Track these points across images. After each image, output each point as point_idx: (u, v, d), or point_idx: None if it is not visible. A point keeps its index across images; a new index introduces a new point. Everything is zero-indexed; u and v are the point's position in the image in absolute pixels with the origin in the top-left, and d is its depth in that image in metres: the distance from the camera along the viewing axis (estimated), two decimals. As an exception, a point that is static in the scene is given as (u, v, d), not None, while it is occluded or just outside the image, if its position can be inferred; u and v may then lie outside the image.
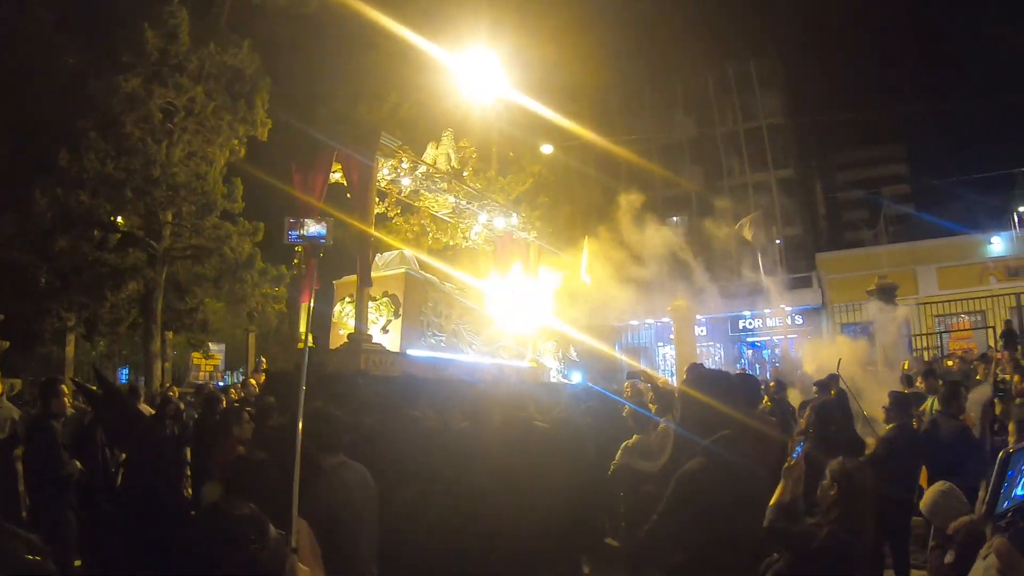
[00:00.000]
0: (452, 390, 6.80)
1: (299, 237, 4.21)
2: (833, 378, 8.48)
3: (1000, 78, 51.82)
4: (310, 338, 10.23)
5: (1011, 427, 5.27)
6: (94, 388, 7.52)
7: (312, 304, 10.03)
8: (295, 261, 10.46)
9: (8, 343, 14.21)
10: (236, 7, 19.31)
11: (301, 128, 19.97)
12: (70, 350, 19.97)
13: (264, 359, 16.28)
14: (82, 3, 16.90)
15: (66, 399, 7.15)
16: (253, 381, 12.22)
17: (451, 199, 11.73)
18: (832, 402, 6.03)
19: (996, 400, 7.71)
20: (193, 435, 9.94)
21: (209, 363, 22.27)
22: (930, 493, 4.62)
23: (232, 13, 19.25)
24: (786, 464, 2.99)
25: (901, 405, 6.76)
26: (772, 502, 3.03)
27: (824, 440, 4.62)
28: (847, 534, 3.09)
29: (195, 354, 22.19)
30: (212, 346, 22.22)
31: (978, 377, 10.88)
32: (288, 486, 3.38)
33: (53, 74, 16.39)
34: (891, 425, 6.59)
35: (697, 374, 3.67)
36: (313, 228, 4.17)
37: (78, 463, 6.76)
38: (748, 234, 29.72)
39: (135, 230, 17.74)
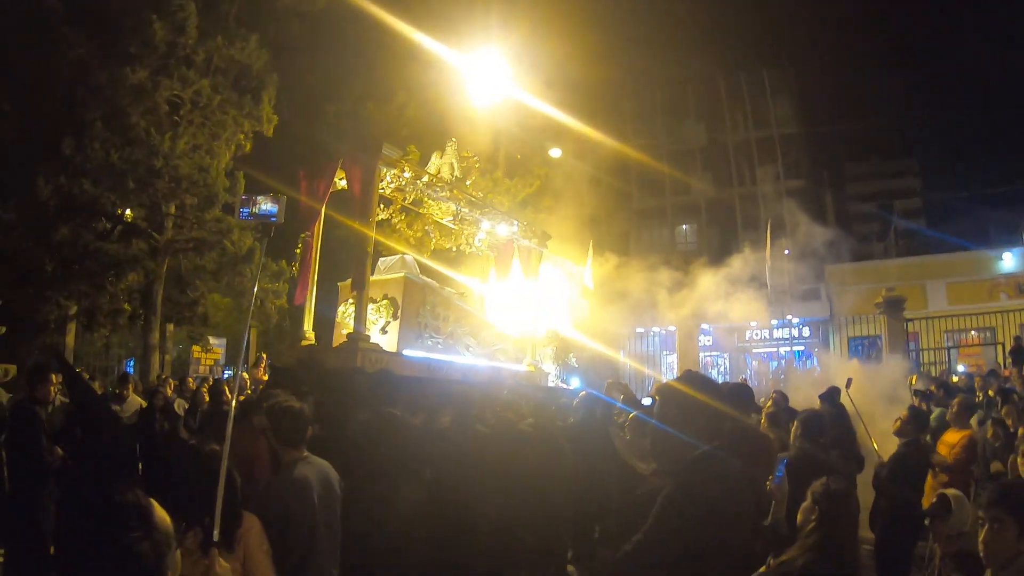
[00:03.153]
0: (438, 389, 6.80)
1: (250, 214, 4.15)
2: (836, 390, 8.27)
3: (1015, 94, 51.44)
4: (311, 336, 10.49)
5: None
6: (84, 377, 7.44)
7: (314, 303, 10.41)
8: (294, 264, 10.67)
9: (5, 328, 14.21)
10: (246, 3, 19.29)
11: (308, 131, 20.17)
12: (71, 339, 19.90)
13: (265, 355, 16.23)
14: None
15: (53, 387, 7.02)
16: (246, 376, 12.37)
17: (453, 207, 12.01)
18: (820, 414, 5.76)
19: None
20: (199, 427, 10.17)
21: (209, 357, 22.25)
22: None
23: (242, 9, 19.23)
24: (768, 485, 2.79)
25: (919, 421, 6.59)
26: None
27: (811, 456, 4.40)
28: (825, 564, 2.89)
29: (195, 347, 22.18)
30: (213, 340, 22.26)
31: (991, 392, 10.71)
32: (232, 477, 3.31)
33: (61, 64, 16.41)
34: (904, 440, 6.39)
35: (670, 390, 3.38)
36: (265, 205, 4.08)
37: (60, 451, 6.66)
38: (772, 258, 29.68)
39: (138, 221, 17.78)
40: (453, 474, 4.89)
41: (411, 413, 5.47)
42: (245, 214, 4.10)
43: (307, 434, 4.11)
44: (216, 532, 2.71)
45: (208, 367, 21.90)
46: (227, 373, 22.02)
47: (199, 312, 19.26)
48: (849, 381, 8.53)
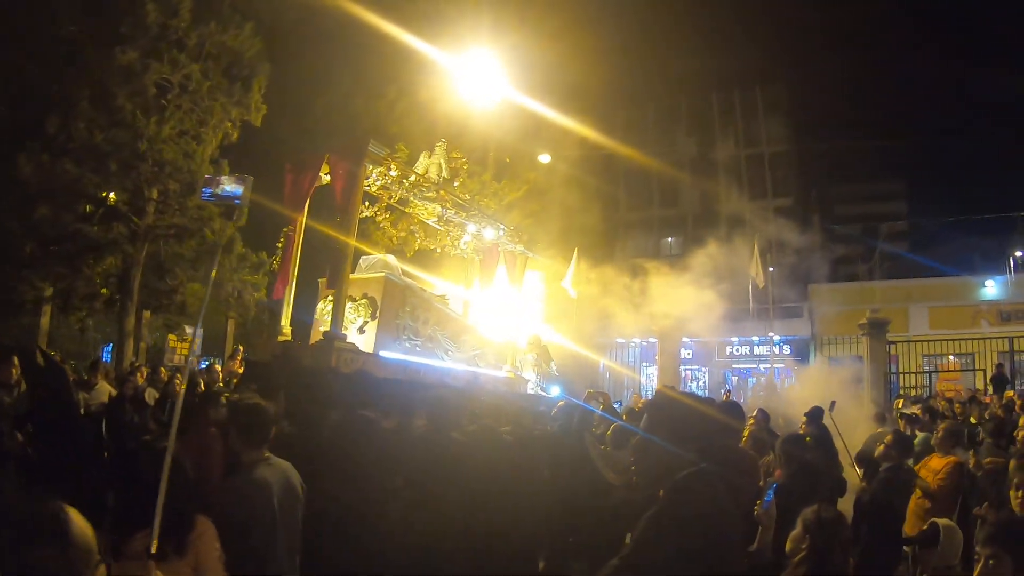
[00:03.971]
0: (414, 392, 6.64)
1: (212, 195, 3.92)
2: (819, 411, 8.15)
3: (1005, 121, 51.87)
4: (288, 331, 10.33)
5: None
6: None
7: (293, 299, 10.25)
8: (274, 257, 10.61)
9: None
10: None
11: (297, 123, 20.01)
12: (45, 321, 19.57)
13: (242, 348, 16.02)
14: None
15: (15, 370, 6.68)
16: (218, 367, 12.63)
17: (439, 208, 11.97)
18: (798, 436, 5.57)
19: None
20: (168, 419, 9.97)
21: (184, 346, 21.94)
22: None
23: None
24: (755, 510, 2.61)
25: (903, 445, 6.42)
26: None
27: (798, 480, 4.24)
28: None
29: (171, 336, 21.90)
30: (188, 329, 21.95)
31: (972, 420, 10.67)
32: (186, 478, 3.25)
33: (53, 40, 16.24)
34: (887, 465, 6.24)
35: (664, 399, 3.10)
36: (229, 186, 3.85)
37: (20, 436, 6.40)
38: (759, 276, 29.69)
39: (120, 205, 17.50)
40: (425, 481, 4.72)
41: (384, 416, 5.32)
42: (207, 194, 3.89)
43: (270, 434, 3.92)
44: (154, 542, 2.58)
45: (183, 356, 21.58)
46: (204, 363, 21.73)
47: (177, 300, 18.92)
48: (833, 404, 8.42)
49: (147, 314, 20.59)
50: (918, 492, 6.73)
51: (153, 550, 2.58)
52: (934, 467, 6.81)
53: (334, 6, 19.73)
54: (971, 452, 7.47)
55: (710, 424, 2.49)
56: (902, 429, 7.75)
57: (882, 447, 6.28)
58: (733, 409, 4.72)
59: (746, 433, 6.42)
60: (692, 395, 2.67)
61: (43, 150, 15.76)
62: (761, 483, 4.69)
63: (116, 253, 17.28)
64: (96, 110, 16.23)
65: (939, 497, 6.53)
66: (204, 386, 9.98)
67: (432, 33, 19.95)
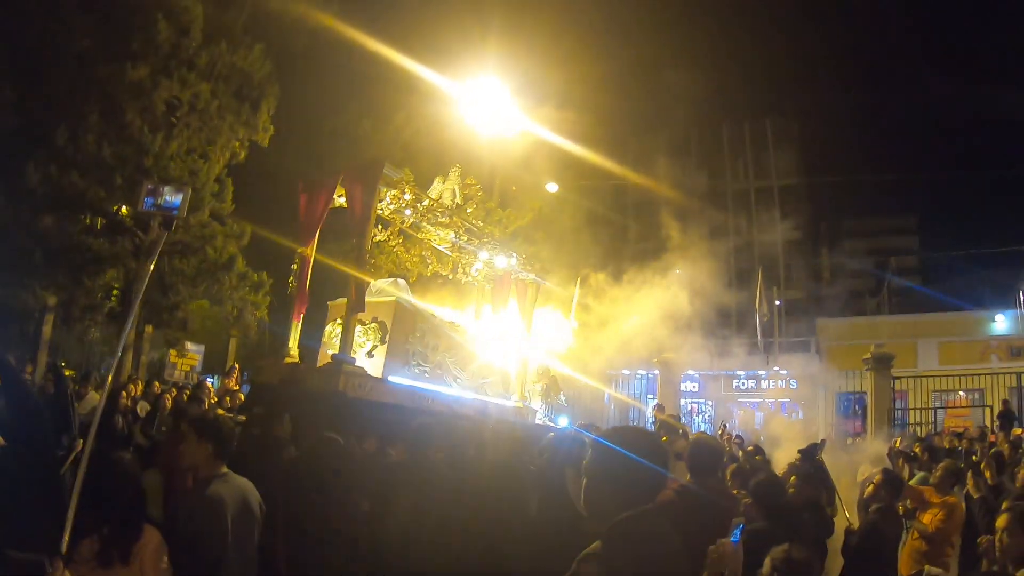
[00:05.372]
0: (401, 418, 6.57)
1: (154, 205, 3.97)
2: (815, 447, 8.00)
3: (1015, 155, 51.64)
4: (296, 353, 10.25)
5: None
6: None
7: (301, 320, 10.18)
8: (290, 279, 10.57)
9: None
10: (255, 13, 19.34)
11: (307, 144, 20.12)
12: (47, 330, 19.68)
13: (238, 366, 16.05)
14: None
15: None
16: (210, 385, 12.68)
17: (451, 235, 11.97)
18: (775, 480, 5.28)
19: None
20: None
21: (185, 362, 22.01)
22: None
23: (250, 18, 19.28)
24: (712, 548, 2.48)
25: (895, 486, 6.16)
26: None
27: (773, 524, 4.09)
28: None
29: (172, 351, 21.97)
30: (191, 346, 22.01)
31: (974, 458, 10.44)
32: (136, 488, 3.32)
33: (67, 54, 16.40)
34: (876, 506, 6.06)
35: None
36: (170, 197, 3.90)
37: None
38: (763, 309, 29.55)
39: (126, 219, 17.58)
40: (395, 509, 4.62)
41: (360, 440, 5.26)
42: (149, 204, 3.94)
43: (229, 450, 3.89)
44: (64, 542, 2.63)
45: (184, 372, 21.64)
46: (211, 379, 21.73)
47: (178, 317, 18.94)
48: (823, 442, 8.28)
49: (149, 329, 20.69)
50: (915, 533, 6.57)
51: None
52: (931, 508, 6.65)
53: (344, 33, 19.96)
54: (969, 476, 7.26)
55: (649, 471, 2.39)
56: (900, 468, 7.56)
57: (871, 488, 6.09)
58: (704, 448, 4.48)
59: (729, 471, 6.26)
60: (639, 435, 2.56)
61: (51, 161, 15.92)
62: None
63: (118, 267, 17.35)
64: (106, 124, 16.39)
65: (936, 539, 6.36)
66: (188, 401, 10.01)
67: (440, 60, 20.07)
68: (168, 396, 10.95)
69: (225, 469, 3.83)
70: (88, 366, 23.40)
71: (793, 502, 5.09)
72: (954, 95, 55.78)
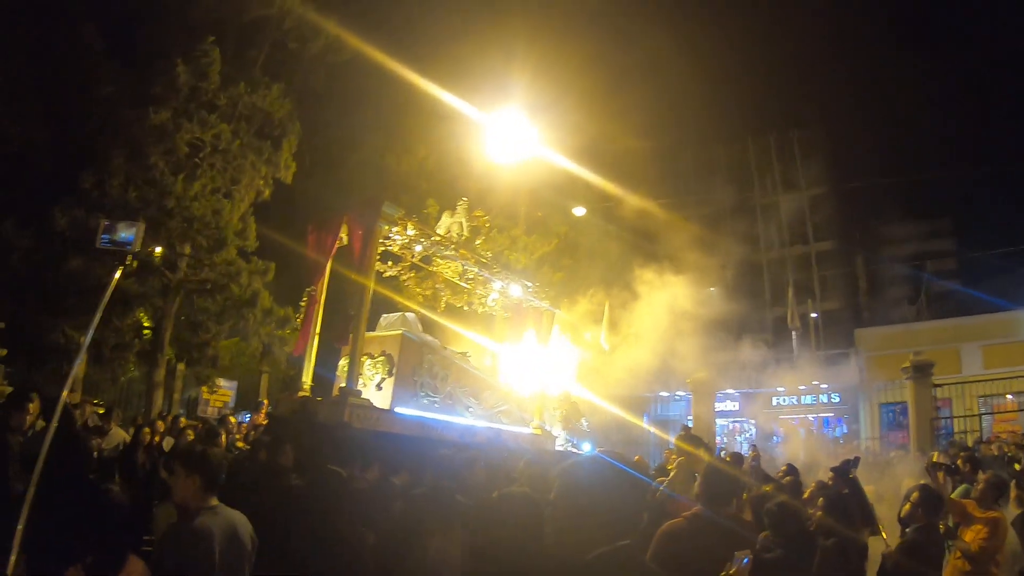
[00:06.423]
0: (405, 448, 6.56)
1: (110, 241, 4.04)
2: (848, 464, 7.64)
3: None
4: (308, 387, 10.42)
5: None
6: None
7: (315, 355, 10.30)
8: (298, 315, 10.84)
9: (6, 351, 14.44)
10: (273, 52, 19.85)
11: (326, 181, 20.32)
12: (80, 368, 19.95)
13: (266, 401, 16.50)
14: (128, 34, 17.84)
15: (30, 416, 6.76)
16: (233, 419, 13.04)
17: (461, 266, 12.20)
18: (787, 506, 4.91)
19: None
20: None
21: (218, 398, 22.25)
22: None
23: (268, 57, 19.78)
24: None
25: (933, 504, 5.73)
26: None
27: (790, 547, 3.81)
28: None
29: (203, 388, 22.21)
30: (223, 383, 22.26)
31: (1017, 467, 9.94)
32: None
33: (94, 99, 16.98)
34: (915, 526, 5.69)
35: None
36: (123, 232, 3.98)
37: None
38: (795, 322, 29.10)
39: (154, 259, 17.87)
40: (400, 541, 4.50)
41: (363, 470, 5.18)
42: (105, 240, 3.98)
43: (219, 482, 3.84)
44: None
45: (217, 409, 21.84)
46: (247, 416, 21.73)
47: (208, 354, 19.14)
48: (856, 460, 7.91)
49: (181, 366, 21.00)
50: (957, 552, 6.21)
51: None
52: (975, 525, 6.27)
53: (362, 67, 20.18)
54: (1012, 487, 6.88)
55: (627, 504, 2.20)
56: (941, 483, 7.17)
57: (908, 506, 5.73)
58: (719, 479, 4.19)
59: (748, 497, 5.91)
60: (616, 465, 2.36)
61: (78, 204, 16.30)
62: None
63: (146, 306, 17.78)
64: (131, 168, 16.81)
65: (979, 558, 5.97)
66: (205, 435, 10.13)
67: (463, 91, 20.22)
68: (190, 432, 11.04)
69: (215, 502, 3.79)
70: (133, 404, 23.74)
71: (812, 527, 4.80)
72: (980, 90, 54.89)
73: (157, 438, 11.07)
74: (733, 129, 40.57)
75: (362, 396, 9.40)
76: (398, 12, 22.71)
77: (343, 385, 9.44)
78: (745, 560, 2.39)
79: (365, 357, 9.95)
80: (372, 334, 10.41)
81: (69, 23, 17.23)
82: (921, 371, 17.12)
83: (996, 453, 12.44)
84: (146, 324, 18.69)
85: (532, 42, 23.39)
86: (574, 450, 13.33)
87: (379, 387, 9.91)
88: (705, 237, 39.09)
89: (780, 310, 35.05)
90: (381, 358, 10.08)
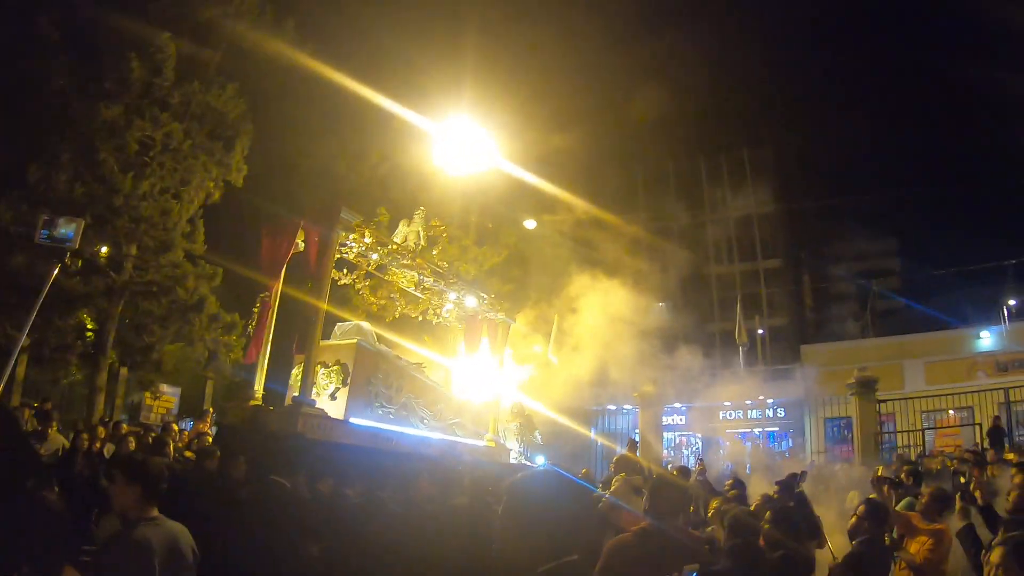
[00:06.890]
0: (359, 459, 6.49)
1: (48, 237, 3.96)
2: (793, 478, 7.73)
3: (996, 170, 51.99)
4: (259, 396, 10.29)
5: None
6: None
7: (266, 363, 10.13)
8: (250, 322, 10.66)
9: None
10: (229, 52, 19.34)
11: (277, 186, 19.99)
12: (20, 371, 19.27)
13: (211, 409, 16.10)
14: (82, 27, 17.00)
15: None
16: (176, 427, 12.97)
17: (417, 276, 12.25)
18: (744, 518, 4.97)
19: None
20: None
21: (161, 404, 21.73)
22: None
23: (224, 57, 19.27)
24: None
25: (878, 516, 5.85)
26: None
27: (735, 559, 3.81)
28: None
29: (147, 394, 21.66)
30: (166, 388, 21.74)
31: (962, 479, 10.13)
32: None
33: (44, 93, 16.43)
34: (861, 538, 5.75)
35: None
36: (63, 228, 3.91)
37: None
38: (742, 337, 29.43)
39: (98, 258, 17.39)
40: (347, 552, 4.42)
41: (315, 482, 5.09)
42: (44, 236, 3.90)
43: (159, 493, 3.72)
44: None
45: (160, 415, 21.32)
46: (190, 424, 21.20)
47: (152, 358, 18.59)
48: (804, 474, 8.02)
49: (124, 370, 20.41)
50: (901, 564, 6.28)
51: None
52: (920, 537, 6.35)
53: (319, 72, 19.95)
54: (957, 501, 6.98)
55: (573, 520, 2.18)
56: (886, 496, 7.27)
57: (855, 519, 5.80)
58: (670, 491, 4.19)
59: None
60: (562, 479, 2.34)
61: (23, 199, 15.74)
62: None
63: (89, 307, 17.12)
64: (79, 164, 16.26)
65: (925, 570, 6.06)
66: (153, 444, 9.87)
67: (416, 99, 20.15)
68: (131, 438, 10.65)
69: (156, 512, 3.67)
70: (75, 407, 23.06)
71: (759, 540, 4.81)
72: (927, 114, 56.47)
73: (98, 444, 10.69)
74: (685, 146, 41.09)
75: (316, 406, 9.35)
76: (354, 20, 22.62)
77: (296, 394, 9.38)
78: (693, 574, 2.37)
79: (319, 366, 9.88)
80: (327, 343, 10.40)
81: (23, 13, 16.65)
82: (865, 387, 17.52)
83: (939, 467, 12.71)
84: (89, 326, 17.99)
85: (486, 55, 23.54)
86: (527, 463, 13.33)
87: (333, 397, 9.88)
88: (655, 252, 39.57)
89: (728, 325, 35.55)
90: (336, 367, 10.05)
